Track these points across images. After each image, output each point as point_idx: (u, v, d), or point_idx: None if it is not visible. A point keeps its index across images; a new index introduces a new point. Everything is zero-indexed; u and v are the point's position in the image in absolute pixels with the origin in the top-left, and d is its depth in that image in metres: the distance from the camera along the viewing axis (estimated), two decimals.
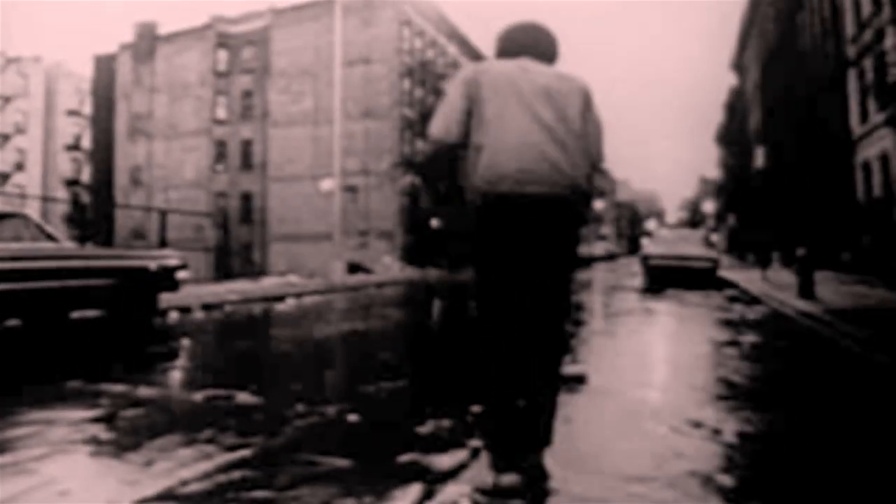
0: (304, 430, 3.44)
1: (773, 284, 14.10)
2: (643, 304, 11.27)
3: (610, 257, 60.29)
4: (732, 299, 12.03)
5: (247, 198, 42.09)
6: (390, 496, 2.50)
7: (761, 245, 23.36)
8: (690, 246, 17.71)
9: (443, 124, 2.50)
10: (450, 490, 2.55)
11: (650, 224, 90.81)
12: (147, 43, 46.35)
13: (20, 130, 55.29)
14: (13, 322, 7.37)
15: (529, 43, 2.70)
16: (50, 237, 7.24)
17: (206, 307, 10.42)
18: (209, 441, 3.19)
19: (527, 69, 2.54)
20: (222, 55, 43.39)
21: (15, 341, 6.91)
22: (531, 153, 2.38)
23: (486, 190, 2.41)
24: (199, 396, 4.22)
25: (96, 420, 3.59)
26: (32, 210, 40.34)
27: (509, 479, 2.40)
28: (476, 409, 3.27)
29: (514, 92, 2.45)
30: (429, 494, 2.51)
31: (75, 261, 7.21)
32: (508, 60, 2.62)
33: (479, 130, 2.44)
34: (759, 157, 30.97)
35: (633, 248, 78.49)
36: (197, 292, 12.40)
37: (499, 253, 2.45)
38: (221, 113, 43.23)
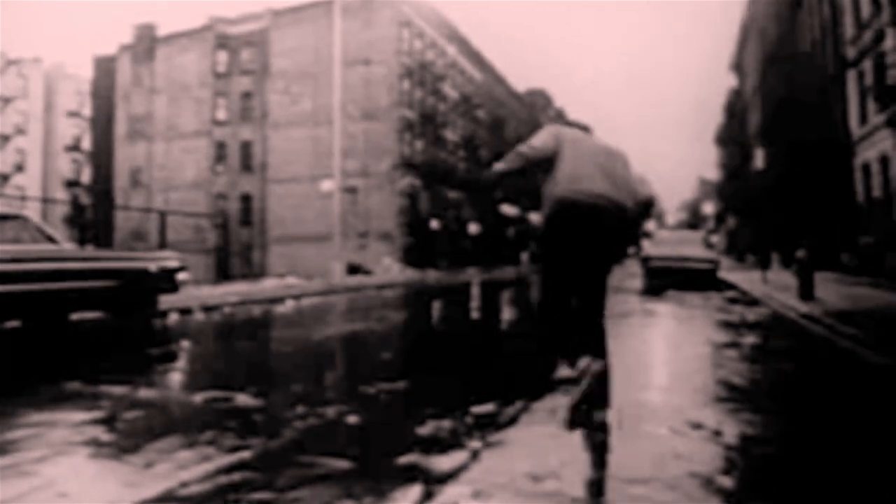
0: (304, 431, 3.44)
1: (773, 286, 14.11)
2: (643, 305, 11.27)
3: None
4: (732, 301, 12.03)
5: (246, 199, 42.10)
6: (390, 497, 2.50)
7: (761, 246, 23.38)
8: (690, 247, 17.71)
9: (538, 146, 3.51)
10: (450, 491, 2.55)
11: (650, 225, 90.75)
12: (146, 44, 46.37)
13: (20, 132, 55.26)
14: (13, 323, 7.37)
15: (580, 125, 3.89)
16: (50, 239, 7.24)
17: (206, 309, 10.42)
18: (209, 443, 3.19)
19: (588, 136, 3.72)
20: (222, 56, 43.40)
21: (15, 343, 6.91)
22: (590, 182, 3.38)
23: (561, 199, 3.35)
24: (199, 398, 4.22)
25: (96, 422, 3.59)
26: (32, 211, 40.35)
27: (564, 371, 3.30)
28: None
29: (582, 146, 3.55)
30: (429, 495, 2.51)
31: (75, 262, 7.21)
32: (576, 130, 3.72)
33: (559, 165, 3.44)
34: (759, 159, 30.97)
35: (634, 249, 78.48)
36: (197, 294, 12.40)
37: (563, 239, 3.38)
38: (221, 114, 43.25)
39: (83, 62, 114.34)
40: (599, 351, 3.31)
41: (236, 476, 2.74)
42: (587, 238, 3.34)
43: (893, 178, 17.25)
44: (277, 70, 41.01)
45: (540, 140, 3.54)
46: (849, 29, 20.87)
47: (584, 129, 3.85)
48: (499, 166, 3.67)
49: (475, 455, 2.99)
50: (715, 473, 2.82)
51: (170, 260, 8.40)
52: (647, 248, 18.68)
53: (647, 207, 3.68)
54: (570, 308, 3.44)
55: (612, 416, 3.35)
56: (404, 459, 2.94)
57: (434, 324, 10.30)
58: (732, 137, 54.05)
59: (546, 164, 3.48)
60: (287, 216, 39.41)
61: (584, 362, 3.15)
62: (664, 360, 5.62)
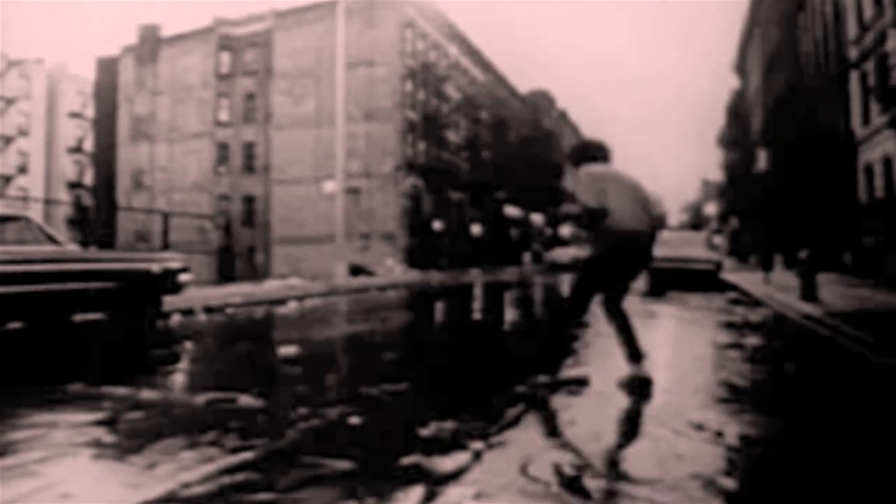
0: (307, 432, 3.44)
1: (776, 287, 14.09)
2: (645, 306, 11.26)
3: None
4: (735, 302, 12.01)
5: (249, 200, 42.16)
6: (393, 498, 2.51)
7: (763, 247, 23.35)
8: (693, 248, 17.67)
9: (594, 199, 4.43)
10: (452, 492, 2.55)
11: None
12: (150, 45, 46.48)
13: (23, 133, 55.42)
14: (16, 325, 7.38)
15: (607, 155, 4.84)
16: (52, 240, 7.25)
17: (209, 310, 10.43)
18: (212, 444, 3.20)
19: (621, 172, 4.69)
20: (225, 57, 43.49)
21: (18, 344, 6.93)
22: (634, 220, 4.49)
23: (620, 235, 4.46)
24: (201, 399, 4.23)
25: (99, 423, 3.60)
26: (35, 213, 40.41)
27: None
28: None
29: (623, 185, 4.55)
30: (431, 496, 2.51)
31: (78, 264, 7.22)
32: (609, 166, 4.74)
33: (611, 203, 4.41)
34: (762, 160, 30.97)
35: None
36: (199, 295, 12.41)
37: (620, 265, 4.65)
38: (224, 115, 43.33)
39: (86, 63, 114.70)
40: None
41: (239, 477, 2.74)
42: (636, 262, 4.68)
43: None
44: (280, 71, 41.07)
45: (590, 195, 4.45)
46: (851, 30, 20.84)
47: (605, 155, 4.80)
48: (568, 210, 4.90)
49: (477, 456, 2.99)
50: (717, 475, 2.81)
51: (172, 261, 8.41)
52: None
53: (661, 223, 4.76)
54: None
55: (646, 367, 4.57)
56: (406, 460, 2.94)
57: (437, 325, 10.31)
58: (735, 139, 53.98)
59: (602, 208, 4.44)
60: (290, 217, 39.45)
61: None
62: (666, 361, 5.62)
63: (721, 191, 65.72)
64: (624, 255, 4.57)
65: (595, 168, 4.61)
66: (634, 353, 4.60)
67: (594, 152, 4.83)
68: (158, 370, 5.58)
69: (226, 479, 2.70)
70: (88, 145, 57.81)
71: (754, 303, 11.67)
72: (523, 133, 62.48)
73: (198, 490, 2.59)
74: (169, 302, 9.19)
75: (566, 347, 4.57)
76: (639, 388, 4.42)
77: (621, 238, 4.45)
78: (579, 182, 4.58)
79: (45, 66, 58.54)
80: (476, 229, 45.71)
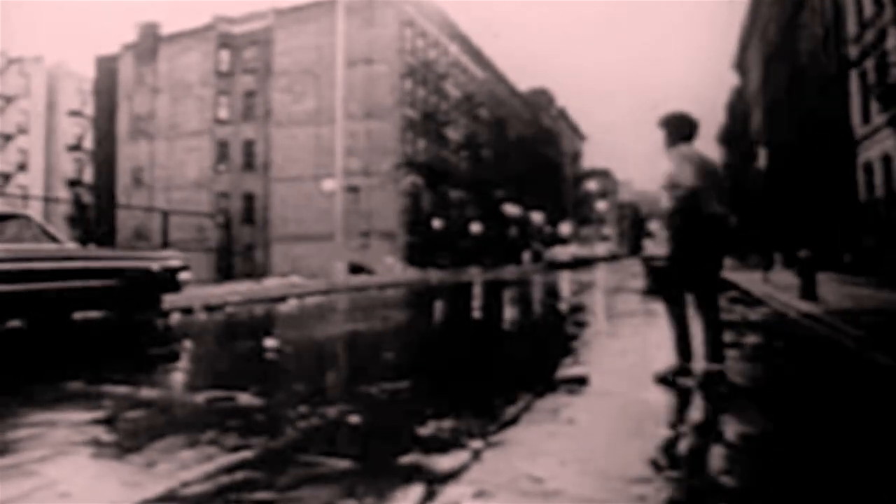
0: (306, 431, 3.44)
1: (775, 286, 14.08)
2: (645, 305, 11.26)
3: (612, 258, 60.33)
4: (734, 301, 12.01)
5: (249, 198, 42.14)
6: (392, 497, 2.51)
7: (763, 246, 23.35)
8: None
9: (699, 180, 4.32)
10: (451, 491, 2.55)
11: (653, 225, 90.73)
12: (149, 43, 46.43)
13: (22, 131, 55.38)
14: (16, 323, 7.38)
15: (695, 129, 4.67)
16: (52, 238, 7.25)
17: (209, 308, 10.43)
18: (211, 442, 3.20)
19: (697, 150, 4.56)
20: (224, 55, 43.45)
21: (17, 342, 6.93)
22: (718, 201, 4.35)
23: (710, 215, 4.34)
24: (201, 398, 4.23)
25: (98, 421, 3.60)
26: (34, 211, 40.38)
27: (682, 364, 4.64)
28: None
29: (707, 167, 4.44)
30: (430, 495, 2.51)
31: (77, 262, 7.22)
32: (694, 144, 4.62)
33: (700, 187, 4.31)
34: (761, 158, 30.88)
35: (636, 248, 78.47)
36: (199, 293, 12.41)
37: (710, 252, 4.52)
38: (223, 113, 43.30)
39: (85, 61, 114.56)
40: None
41: (238, 476, 2.74)
42: (723, 249, 4.59)
43: None
44: (280, 69, 41.04)
45: (695, 177, 4.34)
46: (851, 28, 20.83)
47: (691, 132, 4.63)
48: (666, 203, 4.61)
49: (477, 455, 2.99)
50: (717, 473, 2.82)
51: (172, 259, 8.40)
52: (649, 247, 18.64)
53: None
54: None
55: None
56: (406, 459, 2.94)
57: (436, 323, 10.31)
58: (735, 137, 53.97)
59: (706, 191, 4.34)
60: (289, 215, 39.45)
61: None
62: (666, 359, 5.61)
63: None
64: (717, 241, 4.41)
65: (693, 149, 4.50)
66: (711, 352, 4.52)
67: (691, 130, 4.61)
68: (158, 368, 5.58)
69: (225, 478, 2.70)
70: (88, 143, 57.78)
71: (754, 302, 11.66)
72: (523, 131, 62.45)
73: (197, 489, 2.59)
74: (169, 300, 9.19)
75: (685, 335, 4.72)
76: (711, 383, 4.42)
77: (711, 218, 4.31)
78: (683, 161, 4.40)
79: (44, 63, 58.48)
80: (475, 227, 45.71)
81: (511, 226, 55.01)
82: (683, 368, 4.61)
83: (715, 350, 4.48)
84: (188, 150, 44.09)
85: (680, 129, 4.61)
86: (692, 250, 4.46)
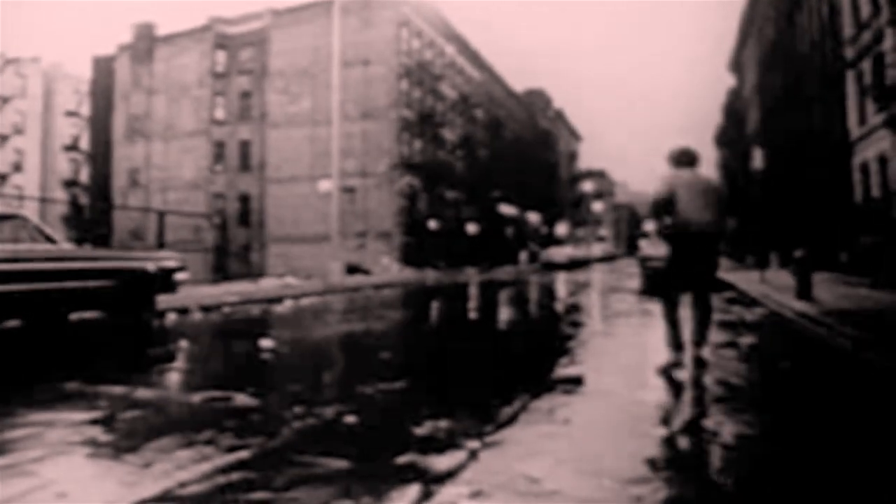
0: (303, 431, 3.44)
1: (771, 286, 14.12)
2: (641, 305, 11.28)
3: (608, 258, 60.38)
4: (730, 301, 12.03)
5: (245, 199, 42.07)
6: (388, 497, 2.51)
7: (759, 246, 23.40)
8: None
9: (660, 196, 5.35)
10: (447, 491, 2.55)
11: (648, 226, 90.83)
12: (146, 44, 46.33)
13: (18, 131, 55.19)
14: (12, 323, 7.36)
15: (690, 160, 5.60)
16: (48, 238, 7.24)
17: (205, 309, 10.42)
18: (208, 443, 3.20)
19: (696, 176, 5.43)
20: (220, 56, 43.37)
21: (14, 342, 6.91)
22: (699, 214, 5.20)
23: (682, 230, 5.24)
24: (197, 398, 4.23)
25: (95, 422, 3.60)
26: (30, 211, 40.28)
27: (676, 356, 5.29)
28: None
29: (693, 189, 5.29)
30: (427, 495, 2.51)
31: (74, 262, 7.21)
32: (684, 170, 5.51)
33: (678, 205, 5.23)
34: (758, 159, 30.96)
35: (632, 249, 78.55)
36: (195, 294, 12.40)
37: (682, 256, 5.35)
38: (220, 114, 43.21)
39: (82, 62, 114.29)
40: (703, 336, 5.41)
41: (235, 476, 2.74)
42: (696, 251, 5.29)
43: (892, 178, 17.27)
44: (276, 70, 40.99)
45: (663, 193, 5.32)
46: (847, 29, 20.89)
47: (691, 161, 5.56)
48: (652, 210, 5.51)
49: (473, 455, 3.00)
50: (713, 474, 2.83)
51: (168, 260, 8.40)
52: (645, 248, 18.67)
53: (726, 223, 5.57)
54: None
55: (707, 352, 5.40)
56: (402, 459, 2.94)
57: (432, 323, 10.31)
58: (731, 138, 54.05)
59: (668, 204, 5.28)
60: (285, 216, 39.40)
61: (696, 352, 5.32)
62: (662, 358, 5.62)
63: None
64: (684, 244, 5.29)
65: (676, 172, 5.52)
66: (698, 339, 5.42)
67: (687, 158, 5.64)
68: (154, 369, 5.57)
69: (221, 478, 2.71)
70: (84, 143, 57.64)
71: (750, 302, 11.69)
72: (519, 132, 62.48)
73: (194, 489, 2.59)
74: (165, 300, 9.18)
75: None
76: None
77: (680, 229, 5.23)
78: (660, 180, 5.46)
79: (41, 64, 58.28)
80: (472, 228, 45.69)
81: (507, 226, 55.00)
82: (678, 362, 5.24)
83: (700, 337, 5.43)
84: (184, 150, 44.00)
85: (676, 158, 5.66)
86: (669, 254, 5.53)
